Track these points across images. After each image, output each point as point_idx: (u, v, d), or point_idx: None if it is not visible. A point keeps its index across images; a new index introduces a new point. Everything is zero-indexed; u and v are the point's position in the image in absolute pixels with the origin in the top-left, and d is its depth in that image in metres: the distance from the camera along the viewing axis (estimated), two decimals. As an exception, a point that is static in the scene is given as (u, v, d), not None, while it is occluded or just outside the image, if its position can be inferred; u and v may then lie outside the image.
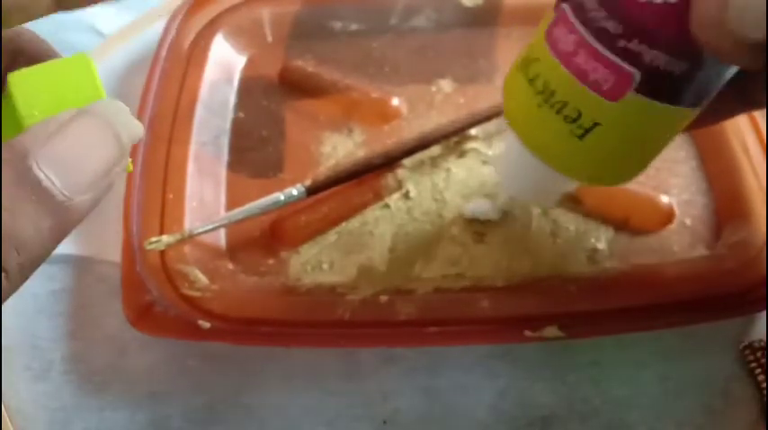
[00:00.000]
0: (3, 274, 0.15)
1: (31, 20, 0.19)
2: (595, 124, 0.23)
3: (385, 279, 0.33)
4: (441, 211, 0.35)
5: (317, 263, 0.33)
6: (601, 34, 0.22)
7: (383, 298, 0.32)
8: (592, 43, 0.22)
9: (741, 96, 0.25)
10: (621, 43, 0.21)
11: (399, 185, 0.35)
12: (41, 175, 0.15)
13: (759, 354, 0.30)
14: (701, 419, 0.30)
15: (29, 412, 0.31)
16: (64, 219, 0.16)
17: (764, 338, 0.31)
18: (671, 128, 0.24)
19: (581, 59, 0.22)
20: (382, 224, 0.34)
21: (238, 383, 0.31)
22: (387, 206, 0.35)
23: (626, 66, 0.22)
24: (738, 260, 0.32)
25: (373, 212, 0.35)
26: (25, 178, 0.15)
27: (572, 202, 0.34)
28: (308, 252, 0.34)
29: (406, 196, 0.35)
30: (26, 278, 0.16)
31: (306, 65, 0.40)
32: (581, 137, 0.23)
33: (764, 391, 0.30)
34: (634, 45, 0.21)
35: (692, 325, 0.30)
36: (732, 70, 0.23)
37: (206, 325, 0.30)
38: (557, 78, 0.23)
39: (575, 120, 0.23)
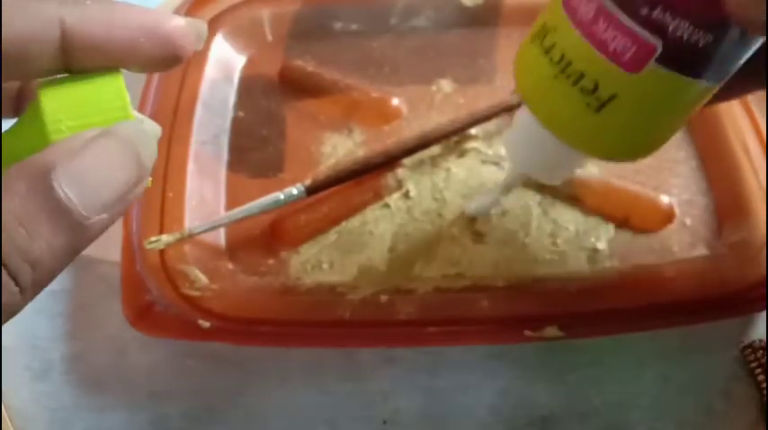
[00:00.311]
0: (17, 289, 0.15)
1: (28, 78, 0.19)
2: (613, 96, 0.22)
3: (385, 279, 0.32)
4: (441, 211, 0.35)
5: (317, 262, 0.33)
6: (623, 1, 0.21)
7: (383, 298, 0.32)
8: (613, 11, 0.21)
9: (758, 73, 0.24)
10: (644, 11, 0.21)
11: (399, 185, 0.35)
12: (61, 193, 0.15)
13: (759, 354, 0.30)
14: (701, 419, 0.30)
15: (29, 412, 0.31)
16: (79, 238, 0.16)
17: (764, 338, 0.31)
18: (690, 103, 0.23)
19: (601, 28, 0.22)
20: (382, 224, 0.34)
21: (238, 383, 0.31)
22: (387, 206, 0.35)
23: (648, 35, 0.21)
24: (738, 260, 0.32)
25: (373, 212, 0.35)
26: (45, 195, 0.15)
27: (572, 202, 0.34)
28: (308, 251, 0.34)
29: (406, 196, 0.35)
30: (38, 293, 0.16)
31: (306, 65, 0.40)
32: (598, 109, 0.23)
33: (764, 391, 0.30)
34: (657, 13, 0.20)
35: (692, 325, 0.30)
36: (756, 45, 0.22)
37: (206, 325, 0.30)
38: (574, 48, 0.22)
39: (592, 92, 0.22)
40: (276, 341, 0.31)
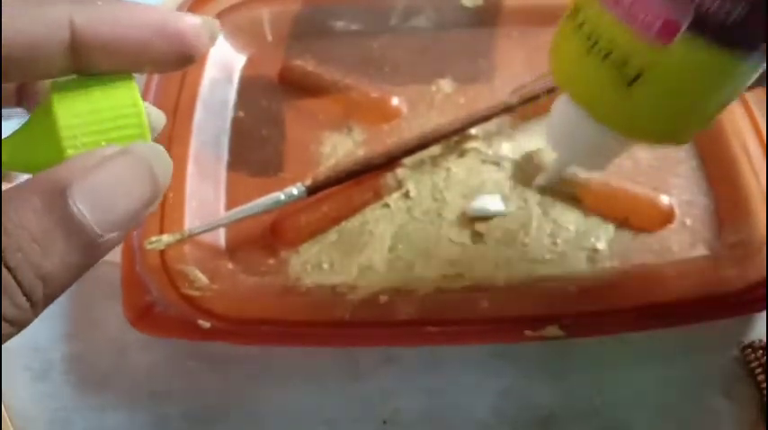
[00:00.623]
0: (28, 305, 0.15)
1: (36, 78, 0.18)
2: (642, 71, 0.22)
3: (385, 279, 0.32)
4: (441, 211, 0.35)
5: (317, 262, 0.33)
6: None
7: (383, 298, 0.32)
8: None
9: None
10: None
11: (399, 185, 0.35)
12: (76, 211, 0.15)
13: (759, 354, 0.30)
14: (702, 419, 0.30)
15: (29, 412, 0.31)
16: (91, 255, 0.16)
17: (764, 338, 0.31)
18: (728, 80, 0.22)
19: (628, 0, 0.21)
20: (382, 224, 0.34)
21: (238, 383, 0.31)
22: (387, 205, 0.35)
23: (677, 5, 0.20)
24: (738, 260, 0.32)
25: (373, 212, 0.35)
26: (61, 212, 0.15)
27: (572, 202, 0.34)
28: (308, 252, 0.34)
29: (407, 196, 0.35)
30: (46, 307, 0.16)
31: (306, 65, 0.40)
32: (629, 84, 0.22)
33: (764, 391, 0.30)
34: None
35: (692, 325, 0.30)
36: None
37: (206, 325, 0.30)
38: (603, 22, 0.22)
39: (621, 67, 0.22)
40: (276, 341, 0.31)
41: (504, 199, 0.34)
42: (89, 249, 0.16)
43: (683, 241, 0.33)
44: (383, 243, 0.34)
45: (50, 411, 0.31)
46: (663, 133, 0.24)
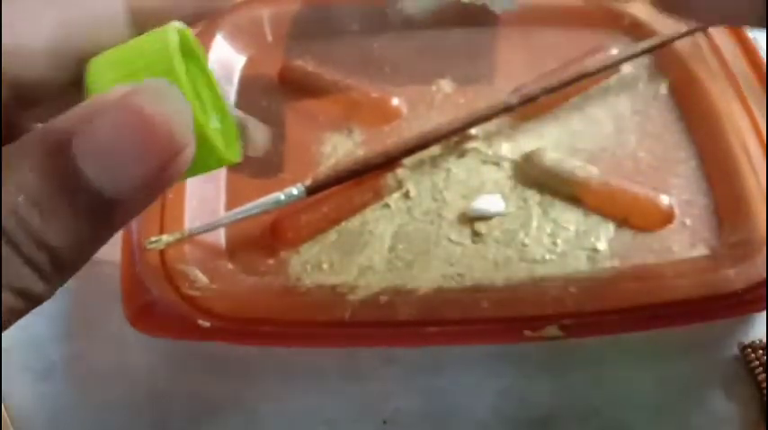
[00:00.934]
0: (36, 276, 0.13)
1: (34, 105, 0.16)
2: None
3: (385, 279, 0.32)
4: (441, 211, 0.35)
5: (317, 262, 0.33)
6: None
7: (383, 298, 0.32)
8: None
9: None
10: None
11: (399, 185, 0.35)
12: (82, 167, 0.13)
13: (759, 354, 0.30)
14: (701, 419, 0.30)
15: (29, 412, 0.31)
16: (104, 224, 0.14)
17: (764, 338, 0.31)
18: None
19: None
20: (382, 224, 0.34)
21: (238, 383, 0.31)
22: (387, 206, 0.35)
23: None
24: (738, 260, 0.32)
25: (373, 212, 0.35)
26: (63, 169, 0.13)
27: (572, 202, 0.34)
28: (308, 252, 0.34)
29: (406, 196, 0.35)
30: (64, 281, 0.14)
31: (306, 65, 0.40)
32: None
33: (764, 391, 0.30)
34: None
35: (692, 325, 0.30)
36: None
37: (206, 325, 0.30)
38: None
39: None
40: (276, 341, 0.31)
41: (504, 199, 0.34)
42: (100, 215, 0.13)
43: (683, 241, 0.33)
44: (383, 243, 0.34)
45: (50, 411, 0.31)
46: None
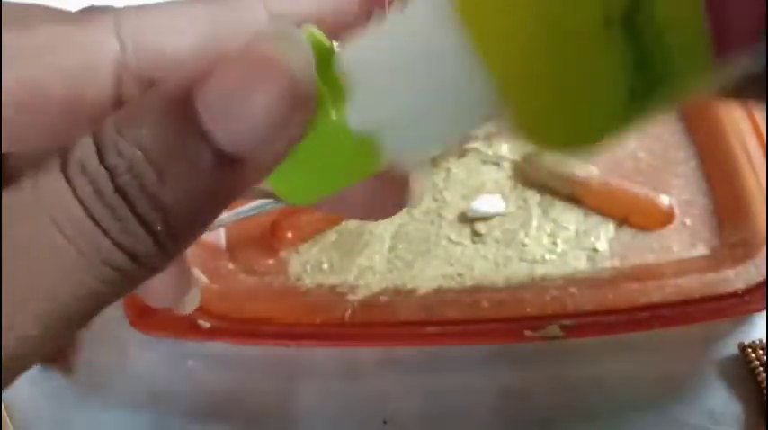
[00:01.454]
0: (150, 238, 0.12)
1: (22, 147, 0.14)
2: (670, 83, 0.12)
3: (385, 279, 0.32)
4: (440, 211, 0.35)
5: (317, 262, 0.33)
6: None
7: (383, 298, 0.32)
8: None
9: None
10: None
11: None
12: (204, 121, 0.12)
13: (759, 354, 0.30)
14: (701, 419, 0.30)
15: (29, 412, 0.31)
16: (223, 185, 0.12)
17: (764, 338, 0.31)
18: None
19: None
20: (382, 224, 0.34)
21: (238, 383, 0.31)
22: (387, 206, 0.35)
23: None
24: (738, 260, 0.32)
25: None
26: (185, 125, 0.12)
27: (572, 202, 0.34)
28: (308, 252, 0.34)
29: (406, 196, 0.35)
30: (177, 251, 0.13)
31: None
32: (634, 98, 0.12)
33: (764, 391, 0.30)
34: None
35: (692, 325, 0.30)
36: None
37: (206, 325, 0.30)
38: None
39: (650, 68, 0.12)
40: (276, 341, 0.31)
41: (504, 199, 0.34)
42: (220, 175, 0.12)
43: (683, 241, 0.33)
44: (383, 243, 0.34)
45: (50, 411, 0.31)
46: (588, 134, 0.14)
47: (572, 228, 0.34)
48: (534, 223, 0.34)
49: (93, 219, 0.12)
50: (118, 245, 0.12)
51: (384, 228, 0.34)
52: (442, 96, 0.13)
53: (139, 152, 0.11)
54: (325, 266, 0.33)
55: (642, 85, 0.12)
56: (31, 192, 0.12)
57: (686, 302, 0.30)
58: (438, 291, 0.32)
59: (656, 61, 0.12)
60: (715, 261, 0.32)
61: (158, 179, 0.12)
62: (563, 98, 0.13)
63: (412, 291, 0.32)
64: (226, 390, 0.31)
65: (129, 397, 0.31)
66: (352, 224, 0.34)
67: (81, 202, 0.11)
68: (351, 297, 0.32)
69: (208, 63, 0.12)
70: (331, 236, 0.34)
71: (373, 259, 0.33)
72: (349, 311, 0.31)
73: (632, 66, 0.12)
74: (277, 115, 0.12)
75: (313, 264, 0.33)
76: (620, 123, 0.13)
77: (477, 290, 0.32)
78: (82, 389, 0.32)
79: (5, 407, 0.31)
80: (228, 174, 0.12)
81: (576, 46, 0.12)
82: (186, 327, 0.30)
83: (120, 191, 0.11)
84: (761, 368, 0.30)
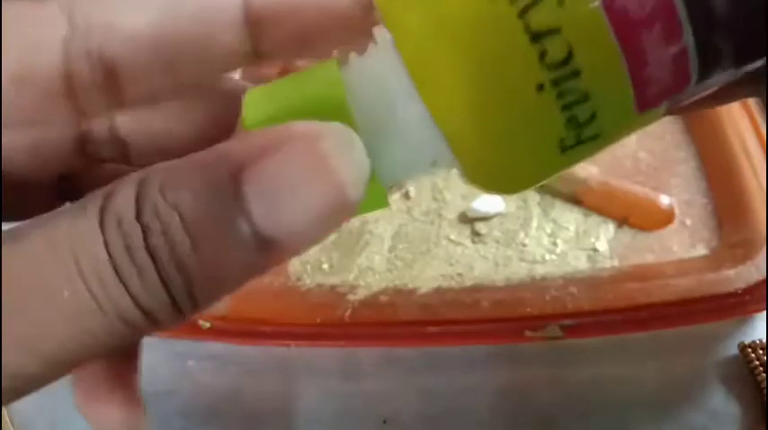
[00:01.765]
0: (167, 297, 0.12)
1: (211, 68, 0.15)
2: (596, 136, 0.14)
3: (385, 279, 0.32)
4: (440, 211, 0.35)
5: (317, 262, 0.33)
6: (700, 14, 0.13)
7: (383, 298, 0.32)
8: (681, 20, 0.13)
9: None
10: (719, 37, 0.13)
11: (399, 185, 0.35)
12: (248, 201, 0.12)
13: (759, 354, 0.30)
14: (701, 419, 0.30)
15: (29, 412, 0.31)
16: (251, 262, 0.13)
17: (764, 338, 0.31)
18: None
19: (650, 36, 0.13)
20: (382, 224, 0.34)
21: (238, 383, 0.31)
22: (387, 206, 0.35)
23: (695, 67, 0.13)
24: (738, 260, 0.32)
25: (373, 212, 0.35)
26: (228, 201, 0.12)
27: (572, 202, 0.34)
28: (308, 252, 0.34)
29: (406, 196, 0.35)
30: (197, 312, 0.13)
31: (307, 65, 0.40)
32: (564, 149, 0.14)
33: (764, 391, 0.30)
34: (728, 44, 0.13)
35: (692, 325, 0.30)
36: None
37: (206, 325, 0.30)
38: (590, 43, 0.13)
39: (579, 125, 0.13)
40: (276, 341, 0.31)
41: (504, 199, 0.34)
42: (250, 255, 0.12)
43: (683, 241, 0.33)
44: (383, 243, 0.34)
45: (50, 411, 0.31)
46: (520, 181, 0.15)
47: (572, 228, 0.34)
48: (534, 223, 0.34)
49: (118, 274, 0.12)
50: (137, 303, 0.12)
51: (384, 228, 0.34)
52: (400, 138, 0.14)
53: (177, 217, 0.11)
54: (326, 266, 0.33)
55: (572, 138, 0.13)
56: (66, 229, 0.12)
57: (686, 302, 0.30)
58: (438, 291, 0.32)
59: (585, 118, 0.13)
60: (715, 261, 0.32)
61: (191, 248, 0.12)
62: (500, 153, 0.14)
63: (412, 291, 0.32)
64: (226, 390, 0.31)
65: (129, 397, 0.31)
66: (352, 224, 0.34)
67: (110, 256, 0.11)
68: (351, 297, 0.32)
69: (261, 142, 0.12)
70: (331, 235, 0.34)
71: (373, 259, 0.33)
72: (349, 311, 0.31)
73: (563, 123, 0.13)
74: (320, 216, 0.12)
75: (313, 263, 0.33)
76: (550, 173, 0.15)
77: (477, 290, 0.32)
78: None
79: (5, 408, 0.31)
80: (259, 254, 0.12)
81: (511, 108, 0.13)
82: (186, 327, 0.30)
83: (150, 251, 0.12)
84: (761, 368, 0.30)
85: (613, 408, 0.30)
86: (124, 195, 0.12)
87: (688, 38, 0.13)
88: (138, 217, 0.11)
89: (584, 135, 0.14)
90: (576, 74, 0.13)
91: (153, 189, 0.12)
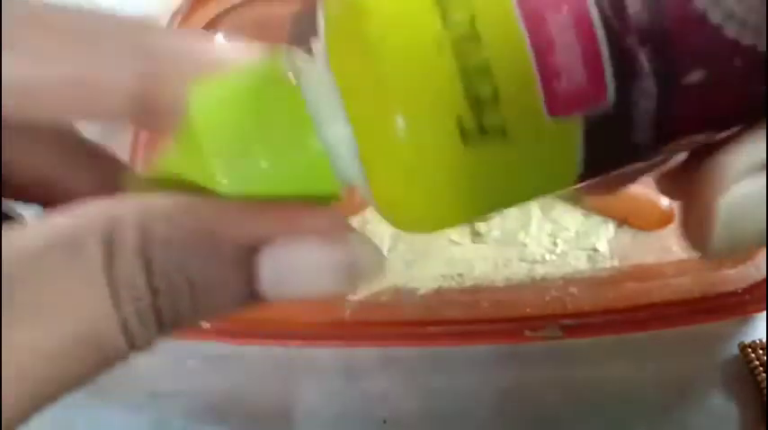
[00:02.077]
0: (156, 333, 0.14)
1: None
2: (503, 133, 0.13)
3: (385, 279, 0.32)
4: (441, 211, 0.35)
5: (317, 263, 0.33)
6: (611, 16, 0.12)
7: (383, 298, 0.32)
8: (591, 14, 0.12)
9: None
10: (630, 42, 0.12)
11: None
12: (260, 276, 0.13)
13: (759, 354, 0.30)
14: (701, 419, 0.30)
15: (29, 412, 0.31)
16: (244, 308, 0.14)
17: (764, 338, 0.31)
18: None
19: (556, 24, 0.12)
20: (382, 224, 0.34)
21: (238, 383, 0.31)
22: (387, 206, 0.35)
23: (610, 76, 0.12)
24: (738, 260, 0.32)
25: (373, 212, 0.35)
26: (241, 273, 0.13)
27: (572, 202, 0.34)
28: (308, 252, 0.34)
29: (406, 196, 0.35)
30: (163, 335, 0.14)
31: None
32: (468, 140, 0.13)
33: (764, 391, 0.30)
34: (646, 55, 0.12)
35: (692, 325, 0.30)
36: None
37: (206, 325, 0.30)
38: (495, 24, 0.12)
39: (478, 105, 0.12)
40: (276, 341, 0.31)
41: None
42: (246, 305, 0.14)
43: (683, 241, 0.33)
44: (383, 243, 0.34)
45: (50, 411, 0.31)
46: (439, 218, 0.16)
47: (572, 228, 0.34)
48: (534, 223, 0.34)
49: (124, 326, 0.13)
50: (128, 342, 0.13)
51: (384, 228, 0.34)
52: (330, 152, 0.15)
53: (187, 285, 0.13)
54: (326, 266, 0.33)
55: (472, 120, 0.13)
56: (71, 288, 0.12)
57: (686, 302, 0.30)
58: (438, 291, 0.32)
59: (486, 95, 0.13)
60: (715, 261, 0.32)
61: (192, 307, 0.13)
62: (418, 198, 0.15)
63: (412, 291, 0.32)
64: (226, 390, 0.31)
65: (130, 397, 0.31)
66: (352, 224, 0.34)
67: (117, 312, 0.13)
68: (351, 297, 0.32)
69: (285, 225, 0.13)
70: (331, 236, 0.34)
71: (373, 259, 0.33)
72: (349, 311, 0.31)
73: (462, 92, 0.12)
74: (324, 293, 0.14)
75: (313, 264, 0.33)
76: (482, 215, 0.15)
77: (477, 290, 0.32)
78: (82, 389, 0.32)
79: (5, 407, 0.31)
80: (253, 304, 0.14)
81: (434, 158, 0.13)
82: (186, 327, 0.30)
83: (156, 310, 0.13)
84: (761, 368, 0.30)
85: (613, 408, 0.30)
86: (132, 253, 0.12)
87: (601, 36, 0.12)
88: (150, 280, 0.12)
89: (487, 121, 0.13)
90: (476, 38, 0.12)
91: (165, 252, 0.12)
